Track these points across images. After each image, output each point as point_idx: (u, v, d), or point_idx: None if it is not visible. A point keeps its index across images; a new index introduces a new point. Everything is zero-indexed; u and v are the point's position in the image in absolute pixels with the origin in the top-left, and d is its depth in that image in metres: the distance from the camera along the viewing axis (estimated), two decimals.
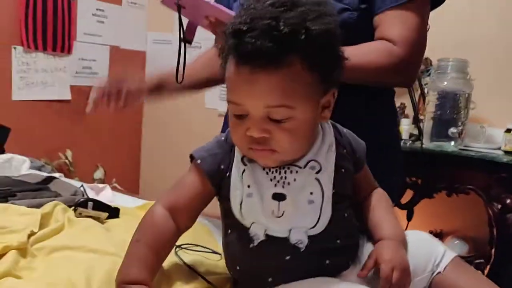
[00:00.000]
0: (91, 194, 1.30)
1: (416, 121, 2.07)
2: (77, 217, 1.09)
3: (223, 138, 0.82)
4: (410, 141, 2.10)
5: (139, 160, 3.38)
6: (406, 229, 1.28)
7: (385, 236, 0.80)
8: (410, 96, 2.13)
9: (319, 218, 0.75)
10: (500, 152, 1.96)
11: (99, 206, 1.13)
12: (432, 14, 1.09)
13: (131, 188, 3.18)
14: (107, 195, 1.34)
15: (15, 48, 2.48)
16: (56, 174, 1.46)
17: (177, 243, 1.08)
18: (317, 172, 0.76)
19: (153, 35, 3.25)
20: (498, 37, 2.26)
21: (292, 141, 0.71)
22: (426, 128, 2.09)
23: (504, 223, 1.90)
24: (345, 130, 0.86)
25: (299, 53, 0.67)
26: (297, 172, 0.75)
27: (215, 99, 3.01)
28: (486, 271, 1.95)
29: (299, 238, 0.74)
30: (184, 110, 3.17)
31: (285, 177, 0.75)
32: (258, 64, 0.67)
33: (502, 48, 2.25)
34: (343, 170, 0.80)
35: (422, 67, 2.26)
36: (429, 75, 2.25)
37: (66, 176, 2.41)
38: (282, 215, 0.74)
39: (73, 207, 1.10)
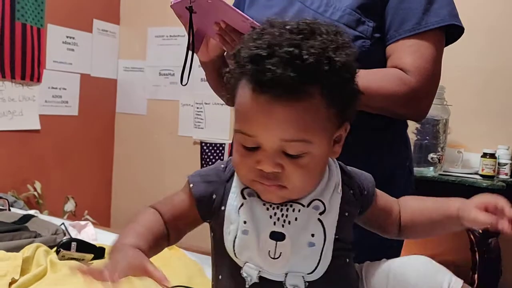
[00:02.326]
0: (73, 233, 1.23)
1: None
2: (60, 259, 1.02)
3: (222, 166, 0.76)
4: None
5: (110, 190, 3.27)
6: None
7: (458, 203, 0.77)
8: None
9: (318, 263, 0.70)
10: (478, 177, 1.99)
11: (83, 246, 1.07)
12: None
13: (102, 220, 3.06)
14: (90, 233, 1.26)
15: None
16: (32, 211, 1.38)
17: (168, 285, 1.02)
18: (321, 213, 0.71)
19: (124, 63, 3.20)
20: (472, 62, 2.32)
21: (305, 178, 0.67)
22: None
23: (486, 248, 1.91)
24: (349, 168, 0.80)
25: (320, 84, 0.63)
26: (299, 210, 0.70)
27: (189, 127, 2.97)
28: None
29: (295, 283, 0.69)
30: (157, 138, 3.10)
31: (286, 215, 0.69)
32: (277, 93, 0.62)
33: (477, 73, 2.31)
34: (346, 214, 0.74)
35: None
36: None
37: (34, 208, 2.30)
38: (279, 256, 0.68)
39: (55, 249, 1.03)
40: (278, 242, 0.68)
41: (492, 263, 1.91)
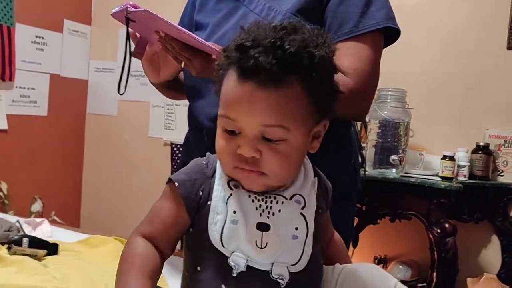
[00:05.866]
0: (28, 230, 1.23)
1: (359, 149, 2.12)
2: (12, 255, 1.03)
3: (204, 162, 0.78)
4: None
5: (80, 191, 3.25)
6: (352, 256, 1.29)
7: None
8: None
9: (301, 255, 0.73)
10: (438, 178, 2.04)
11: (35, 242, 1.07)
12: None
13: (72, 221, 3.05)
14: (46, 230, 1.27)
15: None
16: None
17: None
18: (302, 208, 0.74)
19: (95, 64, 3.19)
20: (433, 67, 2.38)
21: (282, 165, 0.69)
22: (369, 156, 2.14)
23: (444, 247, 1.96)
24: (316, 169, 0.83)
25: (300, 75, 0.67)
26: (282, 203, 0.73)
27: (159, 128, 2.97)
28: None
29: (281, 273, 0.71)
30: (127, 139, 3.10)
31: (270, 207, 0.72)
32: (259, 80, 0.66)
33: (438, 78, 2.38)
34: (320, 211, 0.79)
35: None
36: None
37: (0, 210, 2.28)
38: (266, 246, 0.71)
39: (6, 245, 1.04)
40: (263, 233, 0.71)
41: (449, 262, 1.97)
